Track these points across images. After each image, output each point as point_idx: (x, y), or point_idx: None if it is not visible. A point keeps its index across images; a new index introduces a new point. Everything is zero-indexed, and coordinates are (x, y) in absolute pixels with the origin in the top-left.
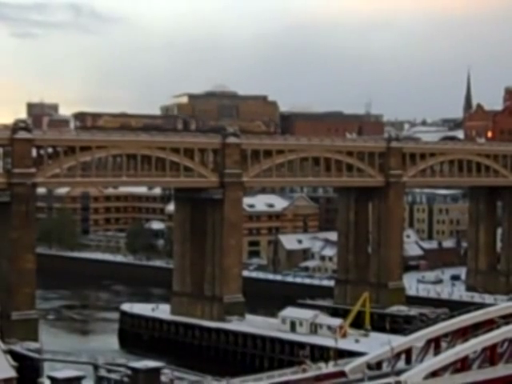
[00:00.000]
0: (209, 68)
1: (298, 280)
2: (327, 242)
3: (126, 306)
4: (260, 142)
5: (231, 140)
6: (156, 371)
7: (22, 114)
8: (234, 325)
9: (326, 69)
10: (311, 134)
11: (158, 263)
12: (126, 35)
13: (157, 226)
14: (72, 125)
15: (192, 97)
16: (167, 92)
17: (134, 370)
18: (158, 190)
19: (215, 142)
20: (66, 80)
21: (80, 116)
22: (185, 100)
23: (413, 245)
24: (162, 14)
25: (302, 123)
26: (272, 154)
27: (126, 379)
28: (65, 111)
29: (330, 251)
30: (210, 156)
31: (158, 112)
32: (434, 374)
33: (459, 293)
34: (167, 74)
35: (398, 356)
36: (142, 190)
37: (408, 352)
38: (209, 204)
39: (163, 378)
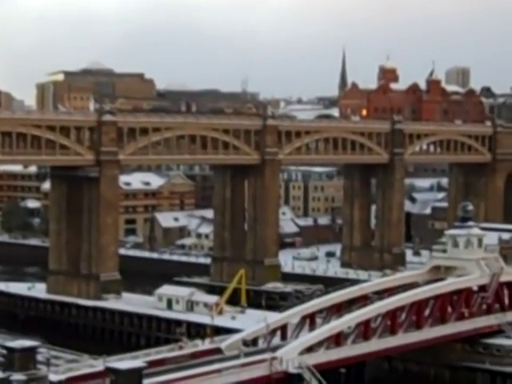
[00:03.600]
0: (83, 45)
1: (175, 258)
2: (203, 219)
3: (2, 285)
4: (136, 120)
5: (107, 118)
6: (32, 350)
7: None
8: (111, 303)
9: (202, 46)
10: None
11: (33, 242)
12: None
13: (32, 204)
14: (92, 107)
15: (68, 74)
16: (42, 69)
17: (9, 349)
18: (33, 168)
19: (91, 120)
20: None
21: (99, 98)
22: (60, 77)
23: (288, 222)
24: None
25: None
26: (148, 131)
27: (1, 359)
28: None
29: (206, 229)
30: (86, 134)
31: (33, 90)
32: (310, 349)
33: (334, 269)
34: (40, 51)
35: (273, 332)
36: (17, 168)
37: (283, 328)
38: (85, 182)
39: (39, 358)
